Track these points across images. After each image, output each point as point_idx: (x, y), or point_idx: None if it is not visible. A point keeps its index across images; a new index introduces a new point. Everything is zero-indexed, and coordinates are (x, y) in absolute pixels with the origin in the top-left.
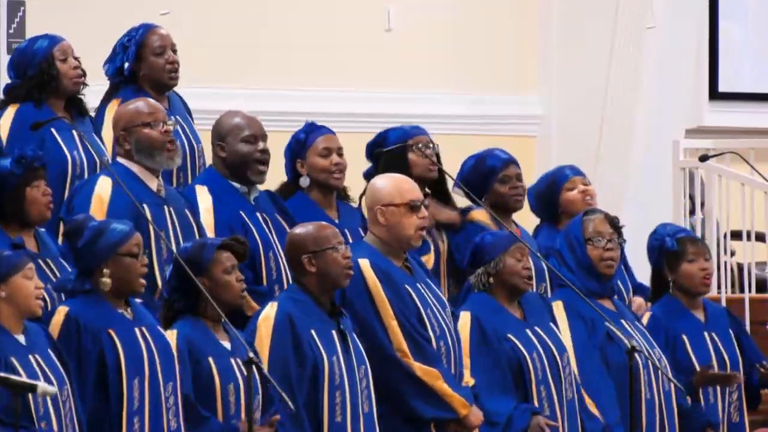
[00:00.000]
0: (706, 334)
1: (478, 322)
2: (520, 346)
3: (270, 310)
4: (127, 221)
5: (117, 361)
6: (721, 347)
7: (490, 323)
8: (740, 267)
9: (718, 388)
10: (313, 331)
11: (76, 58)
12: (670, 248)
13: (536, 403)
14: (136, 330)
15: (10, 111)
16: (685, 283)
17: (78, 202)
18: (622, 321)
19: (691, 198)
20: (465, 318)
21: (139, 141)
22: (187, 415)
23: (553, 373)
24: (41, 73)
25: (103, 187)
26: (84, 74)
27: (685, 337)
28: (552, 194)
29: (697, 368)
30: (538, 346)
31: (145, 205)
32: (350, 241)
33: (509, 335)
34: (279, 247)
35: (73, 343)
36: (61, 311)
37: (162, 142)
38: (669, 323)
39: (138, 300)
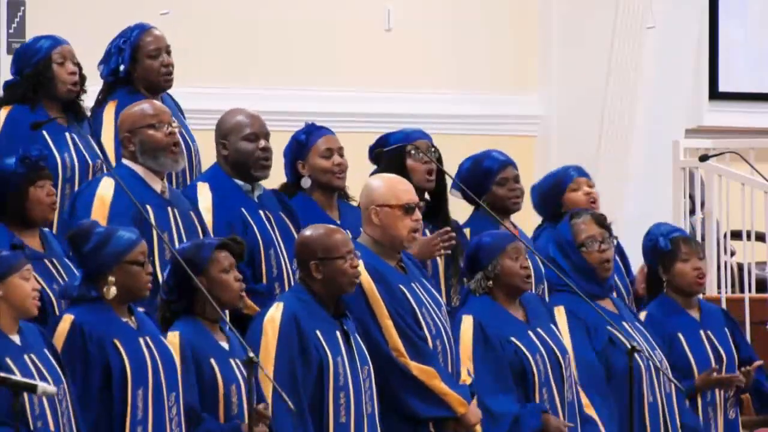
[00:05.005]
0: (701, 332)
1: (480, 326)
2: (523, 348)
3: (276, 311)
4: (134, 228)
5: (122, 371)
6: (717, 345)
7: (492, 327)
8: (740, 267)
9: None
10: (318, 332)
11: (76, 64)
12: (663, 248)
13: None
14: (141, 340)
15: (2, 113)
16: (679, 283)
17: (80, 203)
18: (624, 323)
19: (691, 198)
20: (467, 322)
21: (144, 142)
22: (189, 423)
23: (555, 374)
24: (36, 73)
25: (106, 188)
26: (82, 81)
27: (681, 336)
28: (556, 194)
29: (694, 367)
30: (541, 347)
31: (148, 207)
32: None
33: (512, 338)
34: (282, 245)
35: (78, 351)
36: (67, 319)
37: (166, 144)
38: (665, 322)
39: (140, 309)
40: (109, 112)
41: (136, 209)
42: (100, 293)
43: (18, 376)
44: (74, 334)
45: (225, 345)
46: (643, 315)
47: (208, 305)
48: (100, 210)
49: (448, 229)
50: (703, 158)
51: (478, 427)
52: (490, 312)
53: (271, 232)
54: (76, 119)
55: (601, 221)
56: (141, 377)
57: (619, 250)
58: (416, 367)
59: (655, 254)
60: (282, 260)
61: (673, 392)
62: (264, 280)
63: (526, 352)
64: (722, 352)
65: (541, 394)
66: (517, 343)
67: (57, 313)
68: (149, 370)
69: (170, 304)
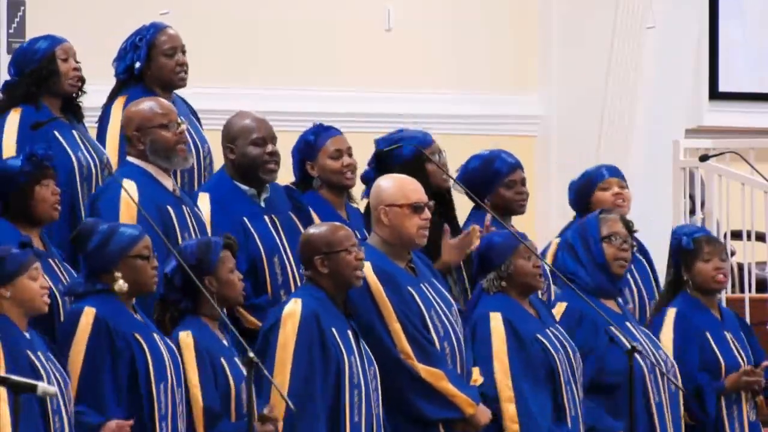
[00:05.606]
0: (725, 333)
1: (510, 324)
2: (549, 346)
3: (295, 305)
4: (137, 225)
5: (146, 365)
6: (739, 347)
7: (519, 324)
8: (740, 267)
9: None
10: (334, 330)
11: (77, 62)
12: (686, 247)
13: (565, 402)
14: (154, 335)
15: (14, 115)
16: (699, 281)
17: (104, 206)
18: (627, 323)
19: (691, 198)
20: (496, 319)
21: (155, 142)
22: (208, 424)
23: (571, 372)
24: (40, 69)
25: (130, 191)
26: (83, 80)
27: (709, 335)
28: (586, 191)
29: (723, 366)
30: (558, 346)
31: (168, 207)
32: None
33: (537, 335)
34: (288, 250)
35: (105, 345)
36: (89, 313)
37: (177, 143)
38: (695, 318)
39: None
40: (118, 107)
41: (163, 210)
42: (106, 286)
43: (39, 370)
44: (99, 327)
45: (226, 343)
46: (672, 311)
47: (212, 304)
48: (127, 213)
49: (476, 227)
50: (703, 158)
51: (514, 423)
52: (513, 310)
53: (276, 238)
54: (75, 118)
55: (628, 225)
56: (161, 373)
57: (642, 250)
58: (424, 369)
59: (678, 253)
60: (288, 265)
61: (680, 393)
62: (269, 290)
63: (552, 350)
64: (743, 353)
65: (565, 393)
66: (543, 340)
67: (62, 312)
68: (167, 366)
69: (178, 302)
